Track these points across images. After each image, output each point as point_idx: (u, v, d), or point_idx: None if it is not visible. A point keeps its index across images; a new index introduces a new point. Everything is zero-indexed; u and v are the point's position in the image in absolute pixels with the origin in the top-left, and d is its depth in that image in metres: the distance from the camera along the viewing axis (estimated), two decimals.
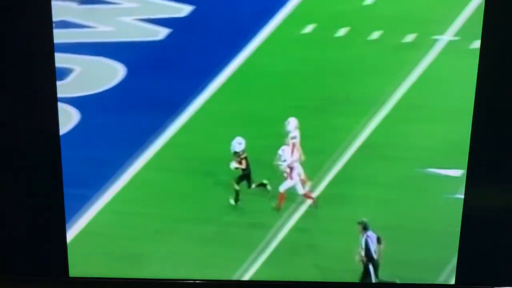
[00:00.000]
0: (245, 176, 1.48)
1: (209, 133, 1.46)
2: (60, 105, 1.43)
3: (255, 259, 1.53)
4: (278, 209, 1.50)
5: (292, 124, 1.44)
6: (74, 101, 1.42)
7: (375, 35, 1.40)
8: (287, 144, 1.46)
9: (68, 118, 1.43)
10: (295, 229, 1.52)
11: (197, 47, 1.39)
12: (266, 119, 1.45)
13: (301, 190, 1.50)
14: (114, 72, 1.40)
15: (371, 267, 1.50)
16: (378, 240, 1.49)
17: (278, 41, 1.40)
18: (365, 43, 1.40)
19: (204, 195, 1.50)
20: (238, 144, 1.45)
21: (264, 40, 1.40)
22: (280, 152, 1.46)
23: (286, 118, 1.44)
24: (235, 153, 1.46)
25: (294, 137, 1.45)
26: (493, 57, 1.38)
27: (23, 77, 1.39)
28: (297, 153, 1.47)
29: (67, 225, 1.49)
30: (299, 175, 1.49)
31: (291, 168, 1.47)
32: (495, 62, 1.39)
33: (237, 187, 1.49)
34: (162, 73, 1.40)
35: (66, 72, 1.41)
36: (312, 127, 1.46)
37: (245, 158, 1.47)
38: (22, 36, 1.37)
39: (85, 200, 1.48)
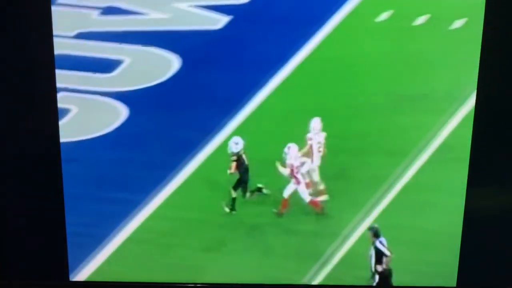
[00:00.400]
0: (241, 182, 1.34)
1: (270, 133, 1.33)
2: (107, 100, 1.30)
3: (319, 269, 1.40)
4: (280, 214, 1.36)
5: (312, 124, 1.31)
6: (122, 96, 1.29)
7: (458, 23, 1.25)
8: (309, 144, 1.32)
9: (115, 115, 1.30)
10: (362, 239, 1.38)
11: (259, 37, 1.26)
12: (333, 117, 1.31)
13: (306, 197, 1.36)
14: (168, 65, 1.27)
15: (376, 277, 1.39)
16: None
17: (349, 31, 1.26)
18: (447, 32, 1.26)
19: (261, 199, 1.37)
20: (235, 144, 1.31)
21: (333, 30, 1.27)
22: (286, 150, 1.32)
23: (356, 116, 1.31)
24: (232, 154, 1.32)
25: (309, 139, 1.32)
26: None
27: (24, 77, 1.29)
28: (314, 157, 1.33)
29: (112, 233, 1.37)
30: (310, 181, 1.34)
31: (297, 169, 1.33)
32: None
33: (233, 194, 1.35)
34: (220, 66, 1.28)
35: (114, 64, 1.28)
36: (383, 126, 1.32)
37: (237, 161, 1.32)
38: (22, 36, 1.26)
39: (132, 205, 1.35)
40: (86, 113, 1.30)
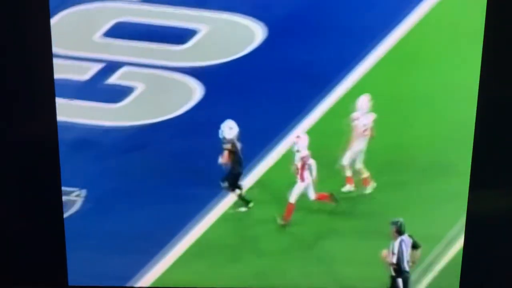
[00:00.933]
0: (233, 175, 1.19)
1: None
2: (178, 76, 1.15)
3: None
4: (284, 223, 1.21)
5: (359, 102, 1.15)
6: (196, 72, 1.15)
7: None
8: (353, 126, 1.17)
9: (188, 94, 1.16)
10: None
11: (359, 2, 1.11)
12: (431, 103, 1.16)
13: (312, 194, 1.20)
14: (251, 35, 1.14)
15: (400, 281, 1.24)
16: (414, 246, 1.22)
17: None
18: None
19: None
20: (229, 128, 1.16)
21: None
22: (295, 139, 1.17)
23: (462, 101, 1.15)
24: (224, 140, 1.16)
25: (355, 119, 1.17)
26: None
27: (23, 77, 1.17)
28: (359, 141, 1.18)
29: (181, 233, 1.21)
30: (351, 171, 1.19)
31: (304, 164, 1.18)
32: None
33: (224, 185, 1.20)
34: (311, 37, 1.13)
35: (188, 34, 1.13)
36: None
37: (231, 150, 1.17)
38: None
39: (207, 200, 1.20)
40: (153, 91, 1.17)
